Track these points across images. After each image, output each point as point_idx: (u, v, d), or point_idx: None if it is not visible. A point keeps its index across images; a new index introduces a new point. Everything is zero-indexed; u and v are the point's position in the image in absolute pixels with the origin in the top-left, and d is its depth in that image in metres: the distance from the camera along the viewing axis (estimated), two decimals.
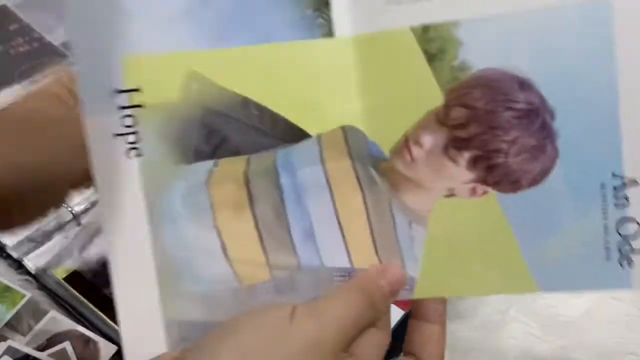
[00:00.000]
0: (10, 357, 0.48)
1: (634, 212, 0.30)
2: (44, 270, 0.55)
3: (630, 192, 0.30)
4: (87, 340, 0.50)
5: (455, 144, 0.32)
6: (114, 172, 0.29)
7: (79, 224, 0.58)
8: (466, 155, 0.32)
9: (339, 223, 0.33)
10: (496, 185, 0.32)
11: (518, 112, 0.31)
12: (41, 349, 0.49)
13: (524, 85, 0.31)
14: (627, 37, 0.29)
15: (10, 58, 0.69)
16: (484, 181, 0.32)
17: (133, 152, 0.30)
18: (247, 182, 0.32)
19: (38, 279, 0.54)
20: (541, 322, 0.58)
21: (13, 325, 0.51)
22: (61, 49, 0.74)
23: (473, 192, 0.32)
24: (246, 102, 0.32)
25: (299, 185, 0.33)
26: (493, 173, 0.32)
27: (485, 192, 0.32)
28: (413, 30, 0.32)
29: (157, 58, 0.30)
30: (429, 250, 0.33)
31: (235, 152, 0.33)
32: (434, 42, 0.32)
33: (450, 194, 0.33)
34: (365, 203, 0.33)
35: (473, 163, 0.32)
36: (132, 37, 0.30)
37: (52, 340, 0.50)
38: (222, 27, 0.31)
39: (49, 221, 0.57)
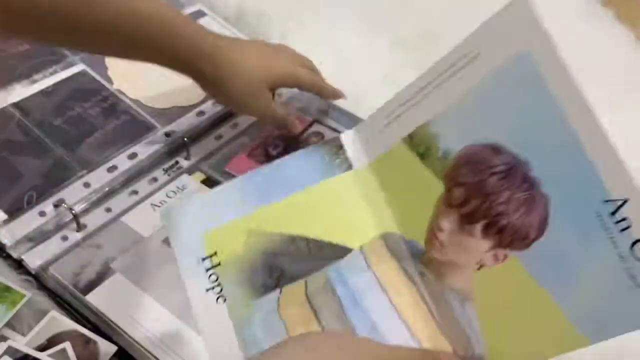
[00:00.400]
0: (10, 357, 0.48)
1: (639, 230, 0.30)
2: (44, 270, 0.55)
3: (627, 211, 0.30)
4: (87, 340, 0.50)
5: (466, 220, 0.36)
6: (212, 317, 0.38)
7: (78, 224, 0.58)
8: (478, 226, 0.36)
9: (400, 316, 0.37)
10: (511, 245, 0.35)
11: (500, 174, 0.35)
12: (41, 349, 0.49)
13: (496, 150, 0.35)
14: (555, 79, 0.33)
15: (11, 58, 0.69)
16: (499, 245, 0.35)
17: (220, 299, 0.39)
18: (309, 301, 0.39)
19: (38, 279, 0.54)
20: None
21: (13, 325, 0.51)
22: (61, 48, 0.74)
23: (496, 258, 0.35)
24: (293, 239, 0.40)
25: (354, 292, 0.38)
26: (504, 235, 0.35)
27: (506, 256, 0.35)
28: (403, 140, 0.39)
29: (223, 228, 0.41)
30: (484, 326, 0.35)
31: (294, 279, 0.40)
32: (420, 144, 0.38)
33: (481, 266, 0.36)
34: (420, 294, 0.38)
35: (485, 231, 0.36)
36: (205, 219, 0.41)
37: (52, 340, 0.50)
38: (264, 191, 0.42)
39: (48, 220, 0.58)
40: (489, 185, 0.35)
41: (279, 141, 0.70)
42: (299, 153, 0.43)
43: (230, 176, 0.66)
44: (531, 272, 0.33)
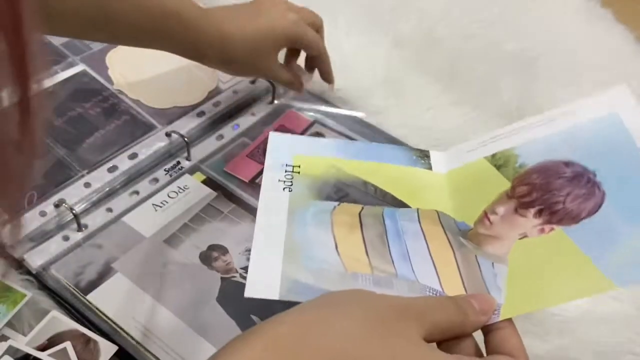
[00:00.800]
0: (11, 357, 0.48)
1: None
2: (44, 269, 0.55)
3: None
4: (88, 340, 0.50)
5: (522, 206, 0.43)
6: (274, 196, 0.45)
7: (79, 224, 0.58)
8: (532, 210, 0.43)
9: (432, 260, 0.43)
10: (560, 222, 0.42)
11: (567, 177, 0.43)
12: (42, 348, 0.49)
13: (569, 163, 0.44)
14: (632, 121, 0.43)
15: None
16: (549, 222, 0.42)
17: (287, 189, 0.46)
18: (360, 217, 0.45)
19: (39, 279, 0.54)
20: (540, 322, 0.58)
21: (14, 325, 0.51)
22: (61, 48, 0.74)
23: (542, 231, 0.42)
24: (366, 183, 0.48)
25: (400, 229, 0.45)
26: (556, 216, 0.42)
27: (552, 229, 0.42)
28: (486, 157, 0.48)
29: (313, 157, 0.49)
30: (511, 279, 0.41)
31: (354, 203, 0.47)
32: (499, 159, 0.47)
33: (523, 236, 0.42)
34: (455, 256, 0.43)
35: (539, 214, 0.42)
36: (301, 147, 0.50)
37: (53, 340, 0.50)
38: (357, 152, 0.51)
39: (49, 220, 0.58)
40: (553, 185, 0.43)
41: None
42: (393, 145, 0.53)
43: (230, 177, 0.66)
44: (573, 238, 0.40)
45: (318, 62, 0.69)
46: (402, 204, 0.47)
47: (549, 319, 0.58)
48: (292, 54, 0.69)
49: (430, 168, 0.50)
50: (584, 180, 0.42)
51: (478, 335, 0.39)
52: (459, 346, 0.37)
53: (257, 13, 0.62)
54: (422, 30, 0.87)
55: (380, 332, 0.34)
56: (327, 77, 0.70)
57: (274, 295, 0.39)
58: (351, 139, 0.71)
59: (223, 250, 0.58)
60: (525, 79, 0.81)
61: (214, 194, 0.63)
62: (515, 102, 0.78)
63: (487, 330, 0.39)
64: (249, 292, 0.39)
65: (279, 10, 0.63)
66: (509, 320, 0.39)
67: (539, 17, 0.91)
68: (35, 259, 0.55)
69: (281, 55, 0.67)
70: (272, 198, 0.45)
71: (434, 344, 0.36)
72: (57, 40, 0.74)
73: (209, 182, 0.65)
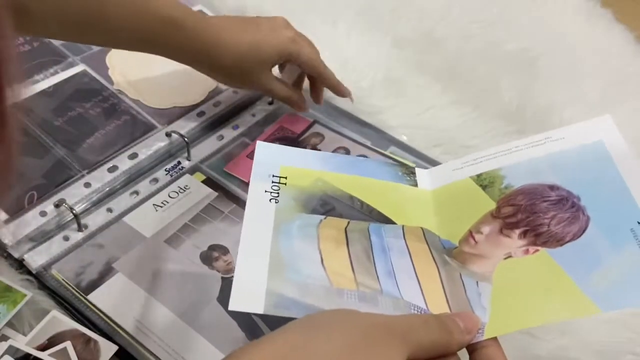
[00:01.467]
0: (11, 356, 0.48)
1: None
2: (45, 269, 0.55)
3: None
4: (88, 339, 0.50)
5: (507, 227, 0.43)
6: (260, 207, 0.45)
7: (79, 224, 0.58)
8: (517, 231, 0.43)
9: (417, 277, 0.43)
10: (544, 244, 0.42)
11: (552, 201, 0.43)
12: (42, 348, 0.49)
13: (554, 187, 0.44)
14: (616, 150, 0.44)
15: None
16: (534, 244, 0.42)
17: (273, 200, 0.45)
18: (346, 232, 0.45)
19: (39, 279, 0.54)
20: None
21: (14, 324, 0.51)
22: (61, 49, 0.74)
23: (526, 252, 0.42)
24: (352, 197, 0.48)
25: (385, 245, 0.44)
26: (540, 238, 0.42)
27: (536, 251, 0.42)
28: (471, 177, 0.48)
29: (300, 169, 0.49)
30: (495, 298, 0.41)
31: (341, 218, 0.47)
32: (485, 180, 0.47)
33: (508, 256, 0.43)
34: (439, 274, 0.43)
35: (523, 235, 0.43)
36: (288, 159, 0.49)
37: (53, 339, 0.50)
38: (342, 164, 0.50)
39: (49, 220, 0.58)
40: (538, 207, 0.43)
41: (279, 142, 0.70)
42: (379, 161, 0.54)
43: (230, 177, 0.66)
44: (556, 259, 0.41)
45: (321, 81, 0.69)
46: (387, 220, 0.47)
47: None
48: (301, 75, 0.70)
49: (415, 185, 0.50)
50: (568, 204, 0.43)
51: (463, 355, 0.39)
52: None
53: (254, 27, 0.63)
54: (422, 30, 0.87)
55: (364, 353, 0.33)
56: (338, 92, 0.71)
57: (259, 310, 0.39)
58: (351, 139, 0.71)
59: (223, 250, 0.58)
60: (525, 79, 0.81)
61: (215, 194, 0.63)
62: (515, 102, 0.78)
63: (471, 349, 0.39)
64: (233, 306, 0.39)
65: (275, 27, 0.64)
66: (494, 338, 0.39)
67: (539, 17, 0.91)
68: (35, 259, 0.55)
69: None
70: (258, 209, 0.45)
71: None
72: (57, 41, 0.74)
73: (209, 182, 0.65)
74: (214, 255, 0.58)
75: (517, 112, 0.77)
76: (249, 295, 0.39)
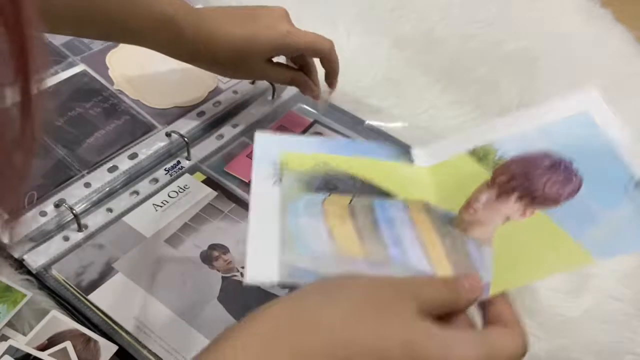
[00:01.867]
0: (11, 356, 0.48)
1: None
2: (45, 269, 0.55)
3: None
4: (88, 339, 0.50)
5: (503, 193, 0.45)
6: (265, 191, 0.46)
7: (79, 224, 0.58)
8: (513, 197, 0.45)
9: (422, 245, 0.44)
10: (540, 205, 0.44)
11: (545, 166, 0.45)
12: (42, 348, 0.49)
13: (546, 154, 0.46)
14: (603, 119, 0.47)
15: None
16: (530, 205, 0.44)
17: (277, 184, 0.46)
18: (351, 208, 0.46)
19: (39, 279, 0.54)
20: (541, 322, 0.58)
21: (14, 324, 0.51)
22: (61, 49, 0.74)
23: (524, 214, 0.44)
24: (354, 177, 0.49)
25: (390, 218, 0.46)
26: (536, 200, 0.44)
27: (533, 212, 0.44)
28: (467, 151, 0.49)
29: (299, 154, 0.49)
30: (497, 259, 0.43)
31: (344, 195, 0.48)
32: (479, 153, 0.49)
33: (507, 220, 0.44)
34: (443, 241, 0.45)
35: (520, 199, 0.44)
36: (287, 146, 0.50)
37: (53, 339, 0.50)
38: (340, 147, 0.51)
39: (49, 220, 0.58)
40: (532, 174, 0.45)
41: None
42: (374, 142, 0.55)
43: (230, 176, 0.66)
44: (553, 218, 0.43)
45: (328, 65, 0.68)
46: (389, 196, 0.48)
47: (549, 319, 0.58)
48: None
49: (412, 163, 0.52)
50: (561, 168, 0.45)
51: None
52: (454, 322, 0.38)
53: (251, 19, 0.62)
54: (422, 30, 0.87)
55: (377, 310, 0.35)
56: (330, 83, 0.69)
57: (274, 278, 0.40)
58: (351, 139, 0.71)
59: (224, 249, 0.58)
60: (525, 79, 0.81)
61: (214, 193, 0.63)
62: (516, 102, 0.78)
63: (482, 307, 0.41)
64: (249, 278, 0.40)
65: (272, 19, 0.63)
66: (503, 295, 0.41)
67: (539, 17, 0.91)
68: (35, 259, 0.55)
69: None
70: (262, 194, 0.46)
71: (430, 321, 0.37)
72: (57, 41, 0.74)
73: (209, 181, 0.65)
74: (214, 254, 0.58)
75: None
76: (263, 267, 0.41)
